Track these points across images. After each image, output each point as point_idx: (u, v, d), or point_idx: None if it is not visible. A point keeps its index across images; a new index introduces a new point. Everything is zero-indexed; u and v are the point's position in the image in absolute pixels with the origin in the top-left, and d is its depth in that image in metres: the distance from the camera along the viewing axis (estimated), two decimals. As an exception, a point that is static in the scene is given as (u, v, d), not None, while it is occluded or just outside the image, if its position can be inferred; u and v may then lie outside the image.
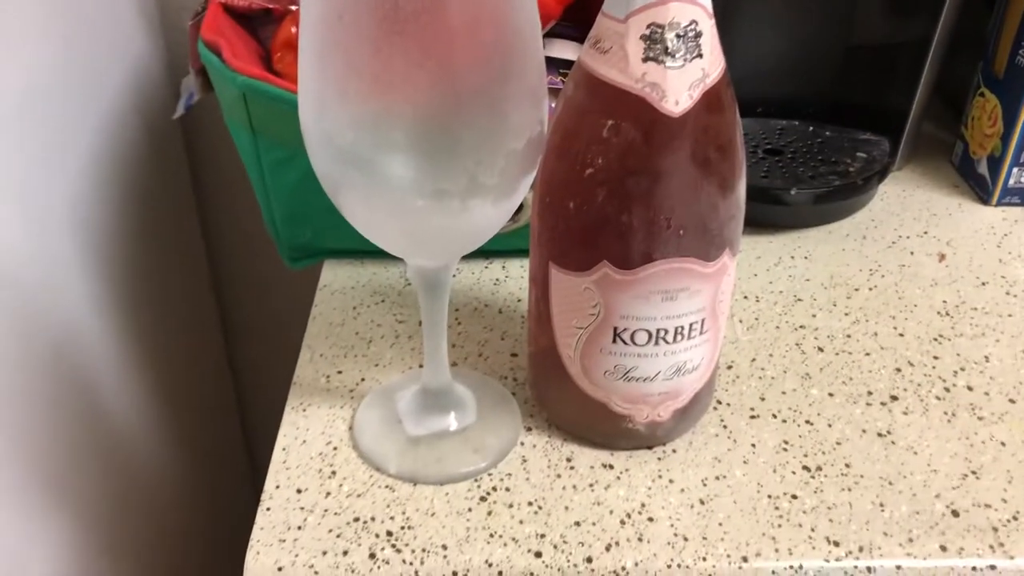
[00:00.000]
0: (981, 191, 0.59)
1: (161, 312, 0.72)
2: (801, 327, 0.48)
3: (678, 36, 0.32)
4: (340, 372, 0.44)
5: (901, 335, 0.47)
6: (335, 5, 0.27)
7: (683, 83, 0.32)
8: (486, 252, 0.53)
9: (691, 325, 0.36)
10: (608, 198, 0.34)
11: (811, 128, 0.61)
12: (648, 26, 0.31)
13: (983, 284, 0.51)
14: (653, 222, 0.34)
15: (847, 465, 0.39)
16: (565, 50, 0.55)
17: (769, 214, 0.55)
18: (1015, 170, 0.57)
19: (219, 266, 0.87)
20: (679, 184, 0.33)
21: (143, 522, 0.67)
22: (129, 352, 0.65)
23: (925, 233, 0.56)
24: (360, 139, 0.29)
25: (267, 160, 0.48)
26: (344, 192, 0.31)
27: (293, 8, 0.59)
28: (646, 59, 0.32)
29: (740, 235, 0.37)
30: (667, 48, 0.32)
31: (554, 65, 0.53)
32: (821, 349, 0.46)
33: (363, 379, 0.44)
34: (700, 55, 0.32)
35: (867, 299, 0.50)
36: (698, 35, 0.32)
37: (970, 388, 0.44)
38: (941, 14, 0.56)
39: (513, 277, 0.51)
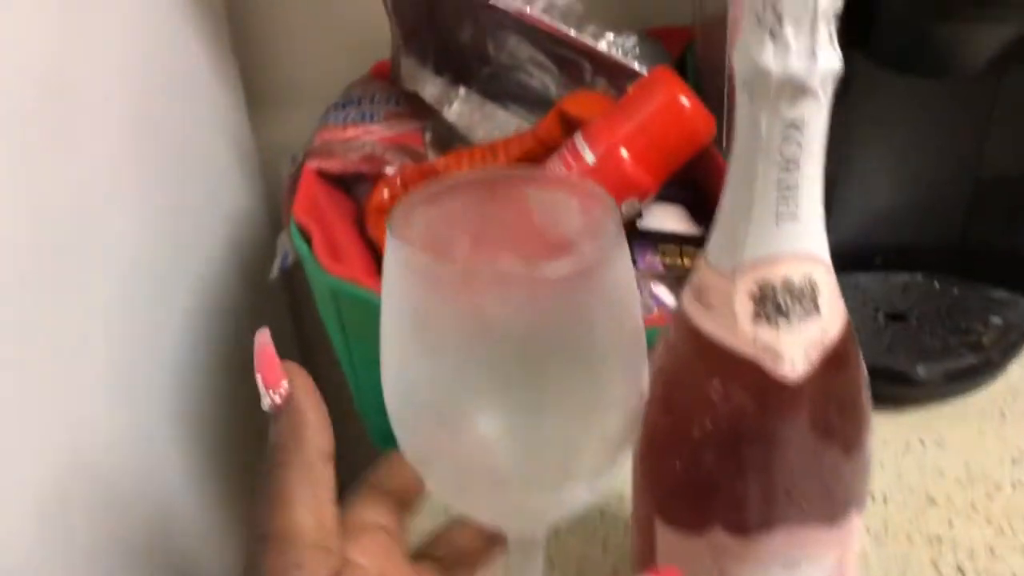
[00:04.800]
0: None
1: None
2: (937, 539, 0.43)
3: (792, 295, 0.29)
4: None
5: (1055, 551, 0.42)
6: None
7: (799, 344, 0.29)
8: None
9: (815, 589, 0.33)
10: (718, 463, 0.31)
11: (936, 284, 0.56)
12: (758, 284, 0.29)
13: None
14: (769, 491, 0.30)
15: None
16: (665, 219, 0.52)
17: (894, 392, 0.51)
18: None
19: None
20: (797, 452, 0.30)
21: None
22: (222, 510, 0.65)
23: (1075, 408, 0.50)
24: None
25: (358, 356, 0.47)
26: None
27: (387, 171, 0.58)
28: (756, 319, 0.29)
29: (868, 489, 0.33)
30: (780, 308, 0.29)
31: (651, 241, 0.50)
32: (962, 571, 0.41)
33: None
34: (818, 312, 0.29)
35: (1010, 499, 0.45)
36: (815, 291, 0.29)
37: None
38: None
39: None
